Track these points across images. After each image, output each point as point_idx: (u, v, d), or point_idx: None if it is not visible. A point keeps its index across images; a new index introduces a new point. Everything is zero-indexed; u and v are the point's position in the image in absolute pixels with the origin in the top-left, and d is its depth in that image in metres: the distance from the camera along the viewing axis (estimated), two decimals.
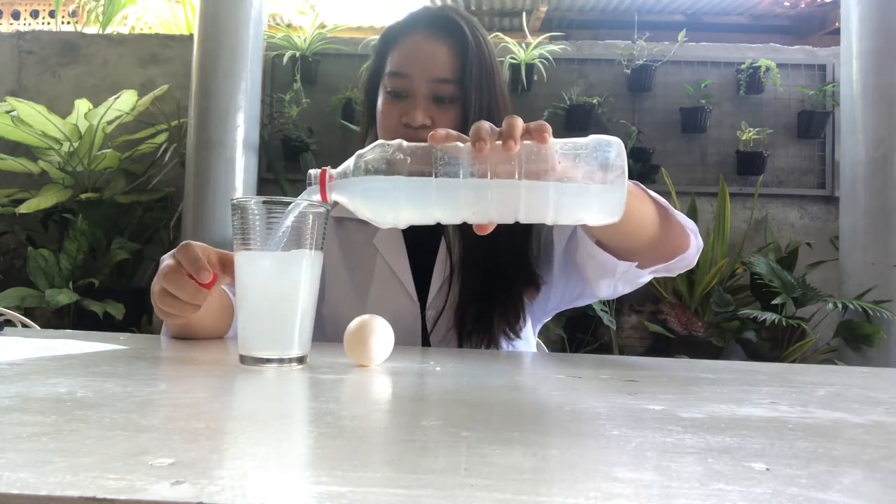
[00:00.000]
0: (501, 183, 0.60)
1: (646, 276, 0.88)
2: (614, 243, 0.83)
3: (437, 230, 1.02)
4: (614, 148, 0.60)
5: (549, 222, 0.62)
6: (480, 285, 0.97)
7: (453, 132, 0.63)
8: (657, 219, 0.80)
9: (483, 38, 1.00)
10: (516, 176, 0.60)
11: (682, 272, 0.89)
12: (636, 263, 0.84)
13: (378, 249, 1.03)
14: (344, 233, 1.07)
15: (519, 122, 0.60)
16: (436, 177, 0.60)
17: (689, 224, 0.85)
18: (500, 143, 0.59)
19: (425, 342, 0.99)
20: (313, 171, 0.64)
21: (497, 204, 0.61)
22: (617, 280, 0.88)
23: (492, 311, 0.97)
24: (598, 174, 0.60)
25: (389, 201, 0.62)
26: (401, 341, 0.99)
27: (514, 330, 0.98)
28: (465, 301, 0.97)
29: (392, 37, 1.02)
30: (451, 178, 0.60)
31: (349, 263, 1.05)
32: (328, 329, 1.03)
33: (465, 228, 0.95)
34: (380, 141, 0.64)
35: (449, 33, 0.98)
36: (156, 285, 0.76)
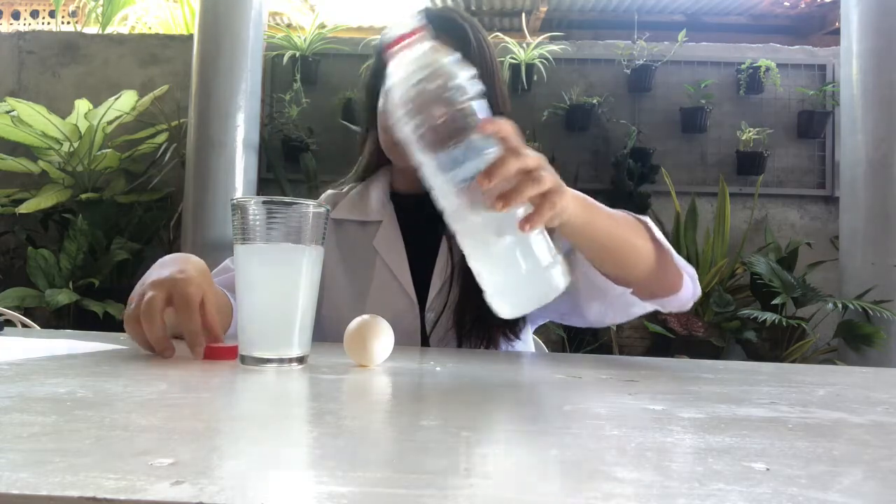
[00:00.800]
0: (473, 217, 0.60)
1: (637, 308, 0.89)
2: (606, 269, 0.84)
3: (437, 232, 1.03)
4: (557, 282, 0.61)
5: (474, 271, 0.63)
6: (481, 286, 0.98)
7: (509, 131, 0.61)
8: (653, 257, 0.82)
9: (484, 39, 1.01)
10: (480, 221, 0.60)
11: (674, 311, 0.91)
12: (630, 290, 0.85)
13: (378, 251, 1.03)
14: (343, 234, 1.07)
15: (533, 189, 0.60)
16: (444, 170, 0.59)
17: (689, 270, 0.88)
18: (507, 178, 0.59)
19: (424, 343, 0.99)
20: (401, 29, 0.61)
21: (460, 223, 0.62)
22: (608, 305, 0.89)
23: (491, 312, 0.97)
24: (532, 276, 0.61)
25: (409, 147, 0.62)
26: (400, 342, 0.99)
27: (513, 331, 0.98)
28: (465, 301, 0.97)
29: None
30: (453, 175, 0.59)
31: (348, 265, 1.05)
32: (328, 330, 1.03)
33: None
34: (443, 84, 0.59)
35: (452, 34, 0.99)
36: (130, 311, 0.71)
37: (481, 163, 0.59)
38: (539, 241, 0.61)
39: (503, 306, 0.62)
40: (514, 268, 0.60)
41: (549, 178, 0.62)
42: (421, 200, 1.05)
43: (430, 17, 1.02)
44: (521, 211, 0.60)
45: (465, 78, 0.60)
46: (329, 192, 1.15)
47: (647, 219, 0.84)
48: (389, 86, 0.61)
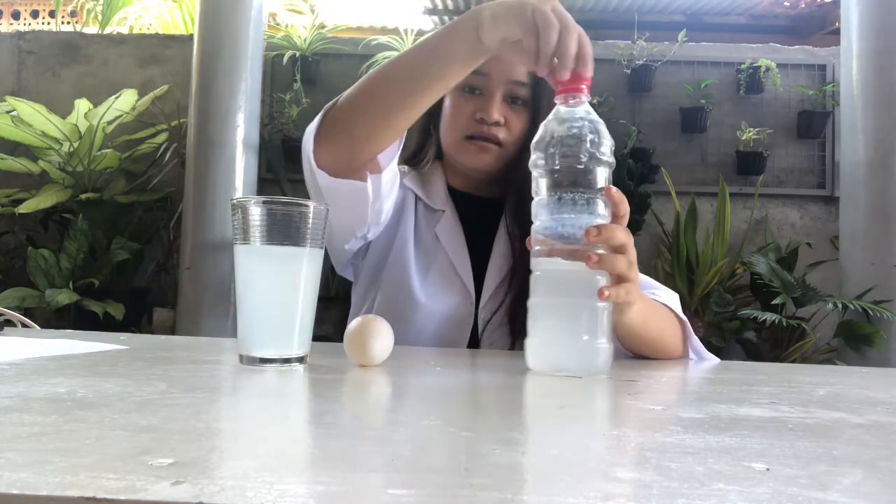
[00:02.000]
0: (559, 265, 0.67)
1: None
2: (634, 351, 0.87)
3: (491, 233, 1.05)
4: (600, 364, 0.66)
5: (530, 314, 0.69)
6: None
7: (627, 209, 0.69)
8: (679, 350, 0.89)
9: None
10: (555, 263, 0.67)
11: None
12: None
13: (439, 239, 1.04)
14: (418, 210, 1.08)
15: (625, 267, 0.67)
16: (555, 210, 0.67)
17: (709, 357, 0.92)
18: (598, 232, 0.65)
19: (473, 339, 1.00)
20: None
21: (543, 266, 0.69)
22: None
23: None
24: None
25: (536, 178, 0.71)
26: (451, 334, 0.99)
27: None
28: (520, 302, 0.97)
29: None
30: (559, 219, 0.67)
31: (417, 240, 1.06)
32: (381, 303, 1.02)
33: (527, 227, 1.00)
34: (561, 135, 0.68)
35: None
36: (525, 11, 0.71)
37: (589, 219, 0.66)
38: (606, 317, 0.67)
39: (536, 357, 0.68)
40: (571, 329, 0.66)
41: (636, 269, 0.70)
42: (476, 201, 1.09)
43: None
44: (602, 282, 0.66)
45: (609, 145, 0.68)
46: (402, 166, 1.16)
47: (684, 316, 0.91)
48: (553, 121, 0.69)
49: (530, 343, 0.68)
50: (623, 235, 0.67)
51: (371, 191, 0.89)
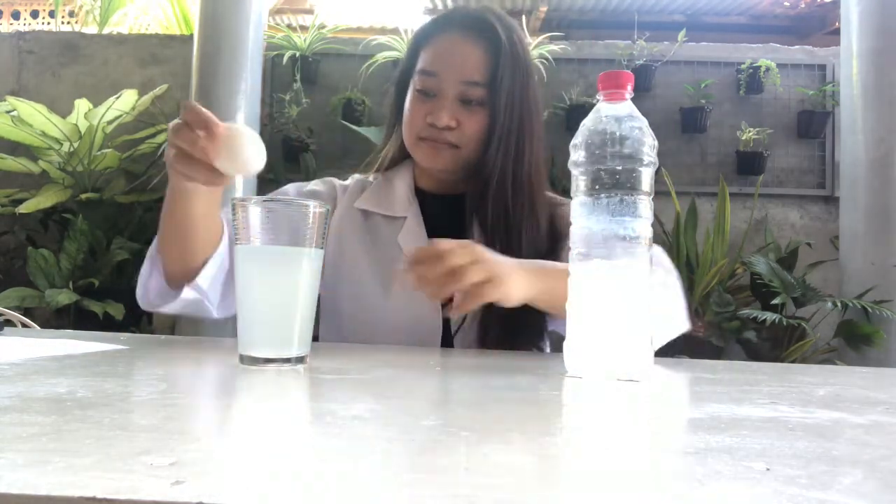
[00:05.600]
0: (604, 267, 0.64)
1: None
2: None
3: (463, 233, 1.00)
4: (635, 371, 0.65)
5: (569, 313, 0.68)
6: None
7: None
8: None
9: (519, 40, 0.99)
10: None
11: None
12: None
13: (402, 248, 1.00)
14: (371, 226, 1.05)
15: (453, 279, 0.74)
16: (599, 212, 0.65)
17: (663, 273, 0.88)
18: None
19: (448, 344, 0.97)
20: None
21: (585, 264, 0.67)
22: None
23: (517, 328, 0.94)
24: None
25: (579, 176, 0.68)
26: (421, 343, 0.97)
27: (538, 346, 0.98)
28: (491, 315, 0.94)
29: (426, 34, 1.01)
30: (602, 220, 0.64)
31: (373, 258, 1.02)
32: (348, 325, 1.01)
33: (496, 238, 0.96)
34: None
35: (483, 35, 0.96)
36: (169, 151, 0.75)
37: (632, 221, 0.64)
38: (644, 323, 0.64)
39: (572, 360, 0.67)
40: (618, 331, 0.64)
41: (481, 267, 0.74)
42: (446, 200, 1.04)
43: (463, 17, 0.99)
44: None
45: (651, 144, 0.65)
46: (357, 176, 1.12)
47: (659, 267, 0.85)
48: (595, 119, 0.66)
49: (571, 347, 0.67)
50: (443, 261, 0.72)
51: (196, 296, 0.88)
